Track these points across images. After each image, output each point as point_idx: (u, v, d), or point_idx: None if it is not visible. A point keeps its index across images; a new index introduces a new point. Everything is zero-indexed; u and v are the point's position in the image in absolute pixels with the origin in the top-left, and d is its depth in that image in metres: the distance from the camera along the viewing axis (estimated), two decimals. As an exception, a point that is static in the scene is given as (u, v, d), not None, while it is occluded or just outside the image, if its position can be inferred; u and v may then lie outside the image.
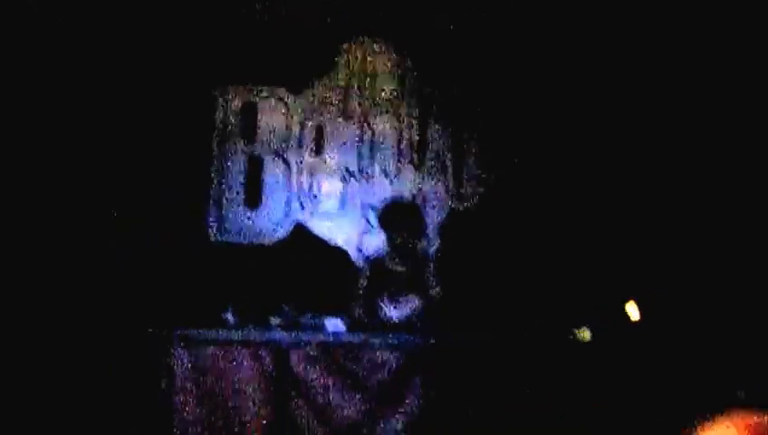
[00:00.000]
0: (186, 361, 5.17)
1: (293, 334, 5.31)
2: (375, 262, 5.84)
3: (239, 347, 5.21)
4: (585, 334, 5.36)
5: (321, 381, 5.15)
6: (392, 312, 5.63)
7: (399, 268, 5.78)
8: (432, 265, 5.94)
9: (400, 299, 5.68)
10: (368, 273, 5.81)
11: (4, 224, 6.07)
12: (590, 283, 6.18)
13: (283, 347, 5.21)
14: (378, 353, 5.21)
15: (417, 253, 5.91)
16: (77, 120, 6.33)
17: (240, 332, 5.34)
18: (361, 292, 5.75)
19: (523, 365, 5.14)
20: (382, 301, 5.67)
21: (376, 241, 6.27)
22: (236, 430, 5.09)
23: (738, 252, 6.05)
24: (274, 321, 5.53)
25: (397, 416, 5.14)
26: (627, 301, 5.68)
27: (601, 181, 6.40)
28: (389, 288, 5.70)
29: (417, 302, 5.67)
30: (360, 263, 6.20)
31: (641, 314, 5.63)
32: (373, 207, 6.53)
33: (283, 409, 5.10)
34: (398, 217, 5.82)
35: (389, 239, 5.78)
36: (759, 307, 5.77)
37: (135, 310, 5.89)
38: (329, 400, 5.12)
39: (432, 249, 6.57)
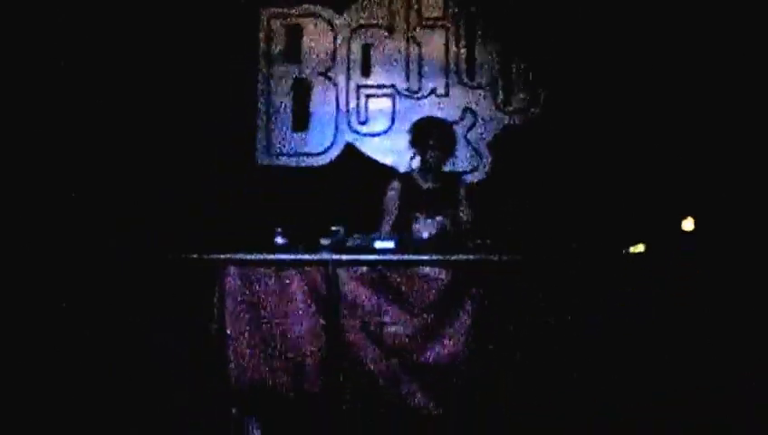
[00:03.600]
0: (237, 283, 5.17)
1: (344, 255, 5.28)
2: (405, 179, 5.77)
3: (289, 269, 5.19)
4: (639, 249, 5.28)
5: (372, 300, 5.12)
6: (422, 231, 5.58)
7: (429, 186, 5.72)
8: (465, 186, 5.84)
9: (429, 217, 5.63)
10: (398, 189, 5.74)
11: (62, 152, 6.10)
12: (643, 198, 6.08)
13: (333, 267, 5.18)
14: (427, 272, 5.16)
15: (449, 172, 5.82)
16: (122, 43, 6.31)
17: (290, 253, 5.33)
18: (393, 209, 5.70)
19: (575, 282, 5.07)
20: (414, 220, 5.62)
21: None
22: (289, 350, 5.09)
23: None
24: (324, 242, 5.50)
25: (449, 335, 5.10)
26: (683, 217, 5.57)
27: (655, 94, 6.25)
28: (419, 206, 5.65)
29: (445, 221, 5.61)
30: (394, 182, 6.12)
31: (696, 230, 5.53)
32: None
33: (334, 329, 5.09)
34: (427, 134, 5.72)
35: (421, 157, 5.70)
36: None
37: (186, 235, 5.90)
38: (379, 319, 5.10)
39: (480, 168, 6.50)
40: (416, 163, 5.77)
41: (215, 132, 6.43)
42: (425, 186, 5.69)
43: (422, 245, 5.38)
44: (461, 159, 6.45)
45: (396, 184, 5.74)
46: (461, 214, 5.68)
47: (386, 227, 5.69)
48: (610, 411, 4.74)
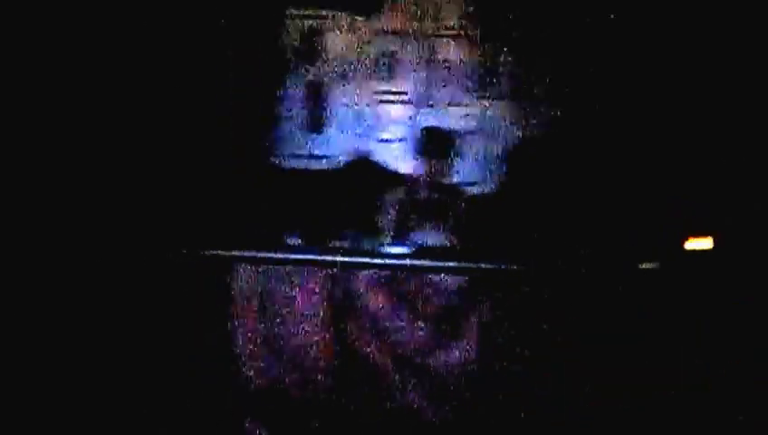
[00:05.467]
0: (246, 284, 5.14)
1: (355, 259, 5.24)
2: (410, 187, 5.72)
3: (300, 270, 5.16)
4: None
5: (383, 305, 5.08)
6: (432, 240, 5.53)
7: (442, 197, 5.67)
8: (466, 197, 5.79)
9: (431, 226, 5.58)
10: (403, 197, 5.70)
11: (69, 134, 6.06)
12: (660, 214, 6.01)
13: (344, 271, 5.14)
14: (440, 279, 5.12)
15: (461, 182, 5.77)
16: (140, 35, 6.27)
17: (301, 255, 5.29)
18: (396, 215, 5.65)
19: (589, 293, 5.02)
20: (413, 226, 5.58)
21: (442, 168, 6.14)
22: (297, 354, 5.05)
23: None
24: (336, 245, 5.47)
25: (461, 343, 5.05)
26: (696, 234, 5.52)
27: (678, 109, 6.20)
28: (422, 214, 5.60)
29: (448, 231, 5.56)
30: (401, 189, 6.06)
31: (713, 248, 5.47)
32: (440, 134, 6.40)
33: (343, 332, 5.05)
34: (433, 144, 5.69)
35: (425, 166, 5.66)
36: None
37: (196, 233, 5.85)
38: (390, 325, 5.06)
39: (494, 178, 6.45)
40: (425, 171, 5.74)
41: (227, 130, 6.38)
42: (437, 196, 5.65)
43: (436, 252, 5.35)
44: (475, 170, 6.40)
45: (405, 191, 5.70)
46: (471, 225, 5.63)
47: (397, 234, 5.64)
48: (623, 425, 4.69)
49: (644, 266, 5.19)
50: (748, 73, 6.09)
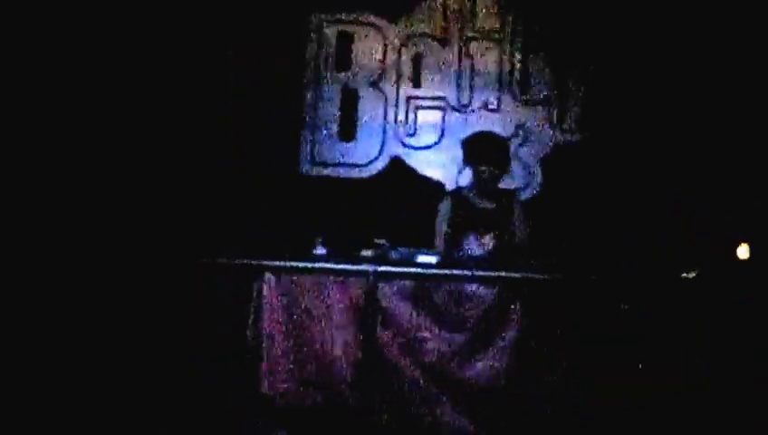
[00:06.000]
0: (275, 292, 5.07)
1: (385, 268, 5.16)
2: (459, 196, 5.60)
3: (329, 279, 5.08)
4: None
5: (411, 315, 4.98)
6: (475, 250, 5.41)
7: (484, 205, 5.53)
8: (519, 204, 5.66)
9: (483, 237, 5.45)
10: (451, 207, 5.58)
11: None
12: (696, 223, 5.88)
13: (373, 280, 5.05)
14: (471, 289, 5.00)
15: (503, 190, 5.64)
16: (171, 47, 6.25)
17: (331, 264, 5.21)
18: (445, 227, 5.53)
19: (621, 304, 4.90)
20: (466, 238, 5.45)
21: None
22: (324, 362, 4.97)
23: None
24: (366, 254, 5.38)
25: (490, 354, 4.94)
26: (738, 243, 5.39)
27: (715, 115, 6.06)
28: (473, 225, 5.48)
29: (500, 241, 5.43)
30: (446, 198, 5.96)
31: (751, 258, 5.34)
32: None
33: (371, 342, 4.96)
34: (483, 151, 5.55)
35: (474, 174, 5.53)
36: None
37: (227, 241, 5.80)
38: (418, 335, 4.95)
39: (531, 185, 6.34)
40: (464, 180, 5.62)
41: (260, 138, 6.33)
42: (479, 204, 5.52)
43: (466, 261, 5.24)
44: (512, 177, 6.27)
45: (446, 202, 5.59)
46: (516, 233, 5.49)
47: (439, 245, 5.53)
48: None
49: (685, 275, 5.05)
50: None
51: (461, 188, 5.64)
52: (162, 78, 6.29)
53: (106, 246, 5.83)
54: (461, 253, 5.38)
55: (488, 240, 5.44)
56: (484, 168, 5.44)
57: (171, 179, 6.22)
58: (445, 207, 5.57)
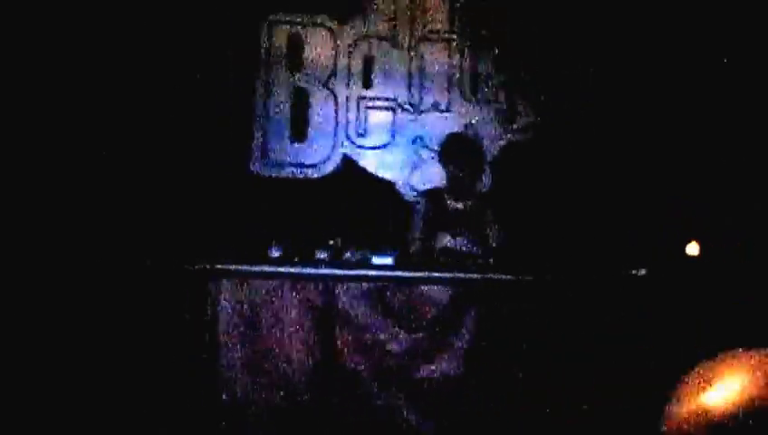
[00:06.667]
0: (229, 296, 5.04)
1: (340, 270, 5.15)
2: (432, 197, 5.63)
3: (284, 282, 5.06)
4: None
5: (368, 317, 4.99)
6: (448, 250, 5.44)
7: (458, 205, 5.57)
8: (490, 204, 5.70)
9: (458, 237, 5.48)
10: (424, 208, 5.60)
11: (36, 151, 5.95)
12: (645, 221, 5.95)
13: (329, 282, 5.05)
14: (427, 291, 5.03)
15: (476, 190, 5.69)
16: (115, 42, 6.16)
17: (285, 267, 5.19)
18: (418, 228, 5.55)
19: (578, 304, 4.95)
20: (439, 238, 5.48)
21: (426, 175, 6.09)
22: (281, 365, 4.96)
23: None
24: (321, 256, 5.37)
25: (447, 354, 4.97)
26: (688, 240, 5.46)
27: (662, 113, 6.13)
28: (447, 225, 5.51)
29: (475, 240, 5.47)
30: (410, 198, 5.99)
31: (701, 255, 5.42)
32: (423, 141, 6.34)
33: (328, 345, 4.96)
34: (458, 152, 5.59)
35: (449, 174, 5.56)
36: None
37: (178, 245, 5.74)
38: (375, 336, 4.96)
39: (485, 185, 6.37)
40: (416, 180, 5.65)
41: (209, 138, 6.27)
42: (453, 205, 5.55)
43: (422, 262, 5.26)
44: (461, 177, 6.28)
45: (422, 202, 5.62)
46: (488, 234, 5.53)
47: (412, 246, 5.55)
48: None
49: (634, 273, 5.12)
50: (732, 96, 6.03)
51: (435, 189, 5.67)
52: (110, 77, 6.20)
53: (57, 252, 5.75)
54: (434, 254, 5.41)
55: (462, 241, 5.47)
56: (458, 169, 5.49)
57: (120, 180, 6.14)
58: (420, 207, 5.60)
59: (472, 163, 5.56)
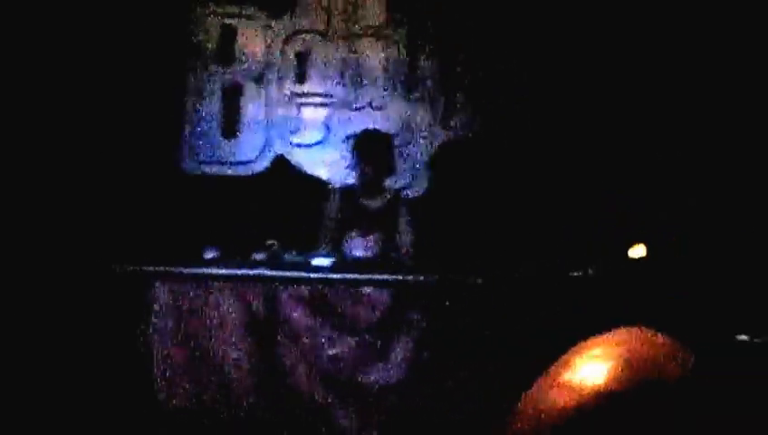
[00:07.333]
0: (164, 299, 4.88)
1: (278, 271, 5.02)
2: (345, 195, 5.50)
3: (221, 284, 4.92)
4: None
5: (308, 320, 4.87)
6: (358, 249, 5.32)
7: (369, 203, 5.44)
8: (404, 204, 5.59)
9: (368, 237, 5.36)
10: (338, 205, 5.46)
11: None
12: (587, 223, 5.92)
13: (267, 285, 4.92)
14: (368, 293, 4.92)
15: (388, 189, 5.57)
16: (36, 30, 5.91)
17: (222, 268, 5.04)
18: (330, 225, 5.41)
19: (518, 304, 4.89)
20: (349, 237, 5.35)
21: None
22: (220, 371, 4.83)
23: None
24: (257, 257, 5.22)
25: (390, 357, 4.88)
26: (632, 244, 5.45)
27: (601, 111, 6.10)
28: (357, 223, 5.38)
29: (385, 240, 5.36)
30: (333, 196, 5.80)
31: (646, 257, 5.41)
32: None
33: (267, 349, 4.83)
34: (368, 149, 5.46)
35: (358, 172, 5.44)
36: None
37: (110, 246, 5.51)
38: (315, 340, 4.85)
39: (418, 184, 6.27)
40: (353, 178, 5.52)
41: (137, 134, 6.04)
42: (365, 202, 5.43)
43: (363, 265, 5.15)
44: (398, 175, 6.18)
45: (333, 200, 5.48)
46: (400, 233, 5.42)
47: (322, 243, 5.41)
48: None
49: (575, 275, 5.08)
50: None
51: (348, 186, 5.54)
52: (33, 71, 5.95)
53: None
54: (343, 252, 5.29)
55: (372, 241, 5.36)
56: (367, 166, 5.37)
57: (46, 179, 5.89)
58: (331, 204, 5.47)
59: (381, 161, 5.44)
